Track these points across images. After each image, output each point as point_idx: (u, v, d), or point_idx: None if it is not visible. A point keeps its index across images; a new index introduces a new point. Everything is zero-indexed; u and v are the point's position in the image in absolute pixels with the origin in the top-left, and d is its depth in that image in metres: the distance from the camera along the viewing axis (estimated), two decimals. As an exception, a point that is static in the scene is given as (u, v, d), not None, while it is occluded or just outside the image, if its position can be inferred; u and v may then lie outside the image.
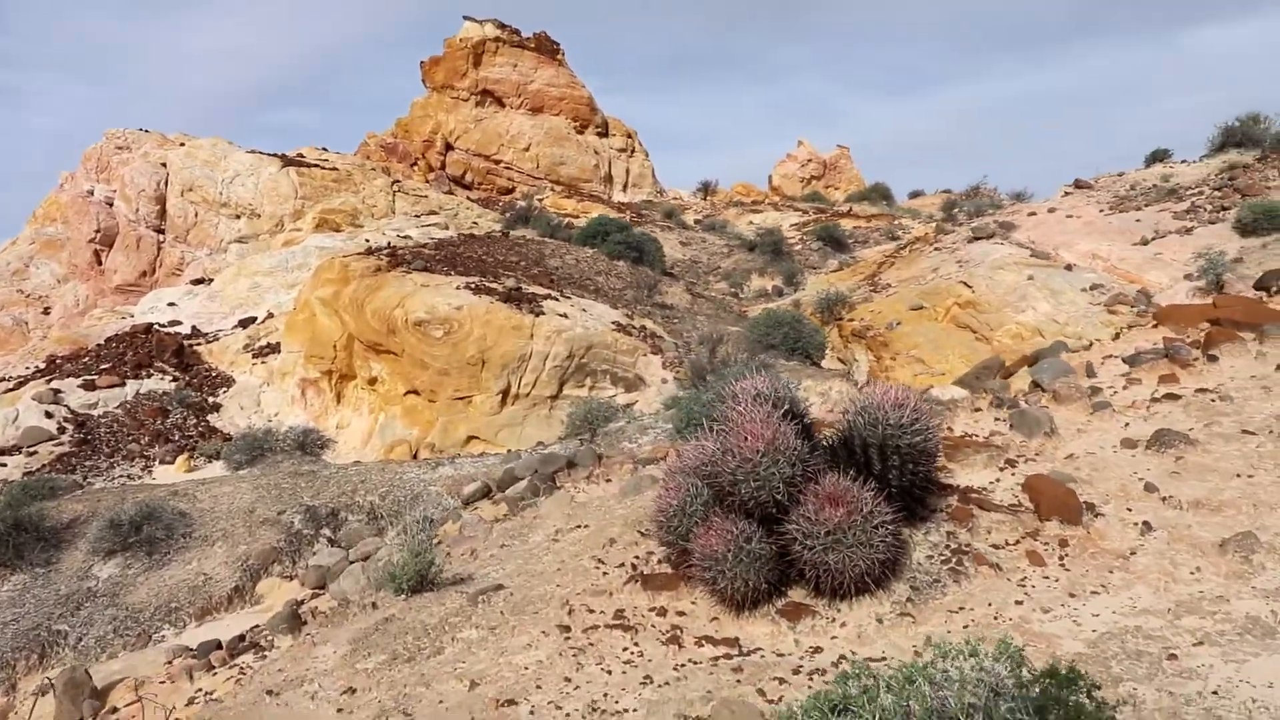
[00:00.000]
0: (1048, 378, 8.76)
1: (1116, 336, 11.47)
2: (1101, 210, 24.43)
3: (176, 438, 17.45)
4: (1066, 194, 27.95)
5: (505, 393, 16.39)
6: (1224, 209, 21.57)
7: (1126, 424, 7.34)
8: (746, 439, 5.25)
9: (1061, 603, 4.83)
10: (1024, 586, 5.10)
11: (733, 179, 56.35)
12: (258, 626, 8.28)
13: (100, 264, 32.01)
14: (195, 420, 18.31)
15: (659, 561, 6.11)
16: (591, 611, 5.60)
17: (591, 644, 5.19)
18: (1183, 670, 4.02)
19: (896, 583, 5.16)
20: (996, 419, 7.81)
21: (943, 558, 5.48)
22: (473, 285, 17.68)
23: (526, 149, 44.74)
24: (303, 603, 8.93)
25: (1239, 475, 6.20)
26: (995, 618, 4.78)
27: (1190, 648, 4.20)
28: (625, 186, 47.92)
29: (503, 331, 16.44)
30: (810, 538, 4.98)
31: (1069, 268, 19.17)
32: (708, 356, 13.64)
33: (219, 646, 7.76)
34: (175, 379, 19.66)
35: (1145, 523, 5.71)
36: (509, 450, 15.16)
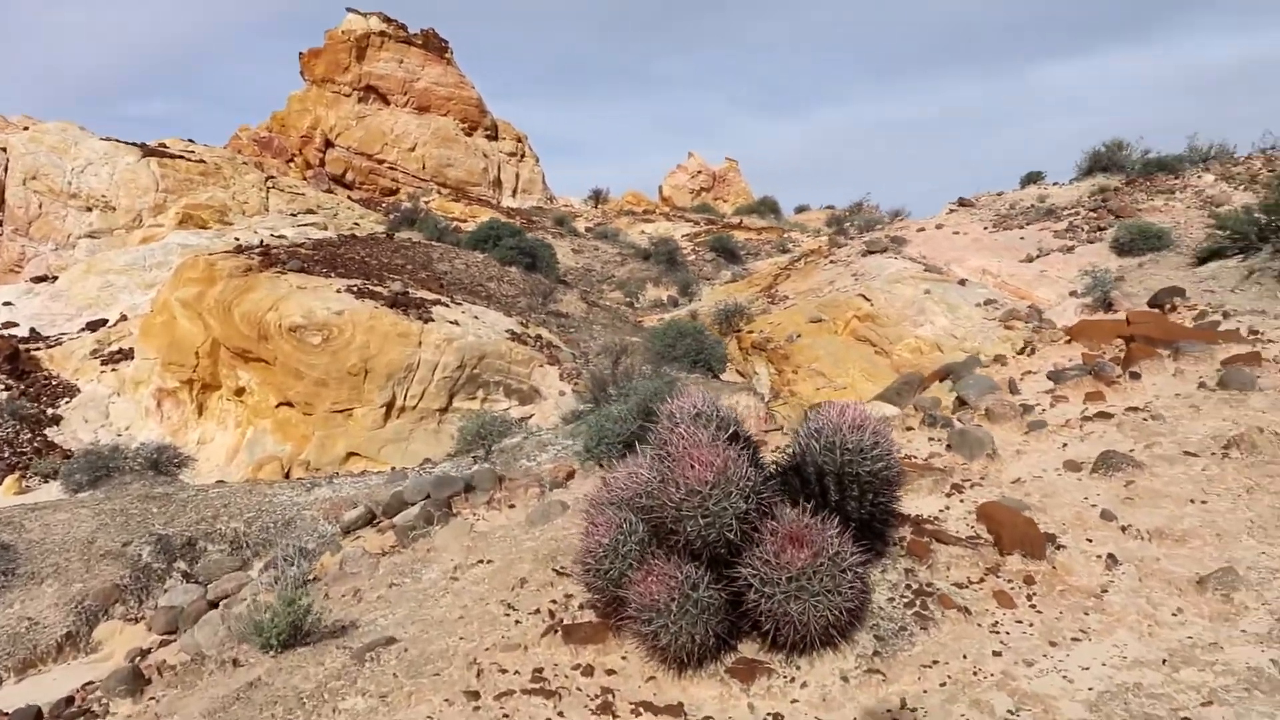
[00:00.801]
0: (974, 394, 8.43)
1: (1023, 351, 11.36)
2: (986, 228, 25.12)
3: (6, 455, 15.42)
4: (951, 211, 28.72)
5: (390, 405, 15.20)
6: (1100, 229, 22.46)
7: (1064, 444, 7.02)
8: (693, 467, 4.53)
9: (1043, 653, 4.30)
10: (998, 633, 4.55)
11: (622, 189, 56.09)
12: (91, 684, 7.00)
13: (-76, 258, 28.56)
14: (30, 435, 16.27)
15: (580, 607, 5.32)
16: (504, 672, 4.75)
17: (506, 715, 4.36)
18: (1203, 739, 3.51)
19: (860, 632, 4.53)
20: (931, 439, 7.38)
21: (905, 600, 4.90)
22: (355, 289, 16.39)
23: (412, 149, 43.03)
24: (148, 652, 7.69)
25: (1193, 501, 5.87)
26: (975, 673, 4.20)
27: (1199, 709, 3.71)
28: (515, 191, 46.79)
29: (388, 339, 15.25)
30: (770, 584, 4.29)
31: (962, 282, 19.43)
32: (610, 368, 12.93)
33: (38, 716, 6.46)
34: (6, 388, 17.47)
35: (1110, 555, 5.27)
36: (394, 468, 14.01)
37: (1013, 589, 4.92)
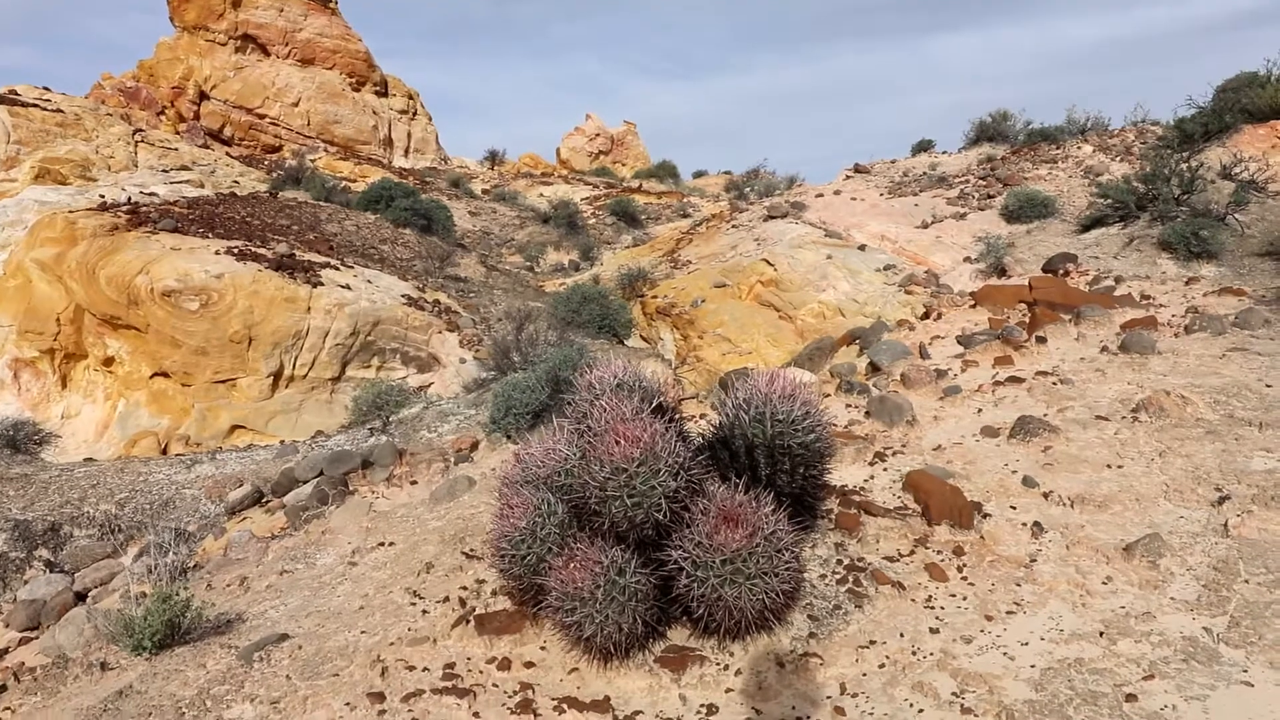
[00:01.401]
0: (886, 359, 8.39)
1: (926, 316, 11.45)
2: (882, 194, 25.51)
3: None
4: (848, 177, 29.08)
5: (278, 375, 14.29)
6: (990, 197, 23.08)
7: (979, 409, 7.02)
8: (619, 443, 4.19)
9: (980, 628, 4.18)
10: (933, 609, 4.42)
11: (519, 151, 54.73)
12: (-63, 692, 6.23)
13: None
14: None
15: (494, 593, 4.95)
16: (412, 669, 4.36)
17: (415, 718, 3.98)
18: (1149, 715, 3.43)
19: (794, 613, 4.32)
20: (849, 405, 7.27)
21: (837, 576, 4.72)
22: (236, 250, 15.28)
23: (296, 104, 40.75)
24: (6, 652, 6.91)
25: (1109, 466, 5.90)
26: (913, 652, 4.04)
27: (1142, 683, 3.64)
28: (407, 151, 45.01)
29: (274, 304, 14.29)
30: (703, 568, 4.02)
31: (862, 248, 19.62)
32: (513, 334, 12.45)
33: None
34: None
35: (1036, 524, 5.23)
36: (283, 442, 13.21)
37: (944, 561, 4.81)
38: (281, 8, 41.30)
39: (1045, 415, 6.58)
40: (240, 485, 9.01)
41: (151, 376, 14.31)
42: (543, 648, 4.41)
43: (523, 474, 4.89)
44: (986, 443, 6.33)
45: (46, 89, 34.94)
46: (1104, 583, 4.43)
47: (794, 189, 30.94)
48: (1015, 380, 7.55)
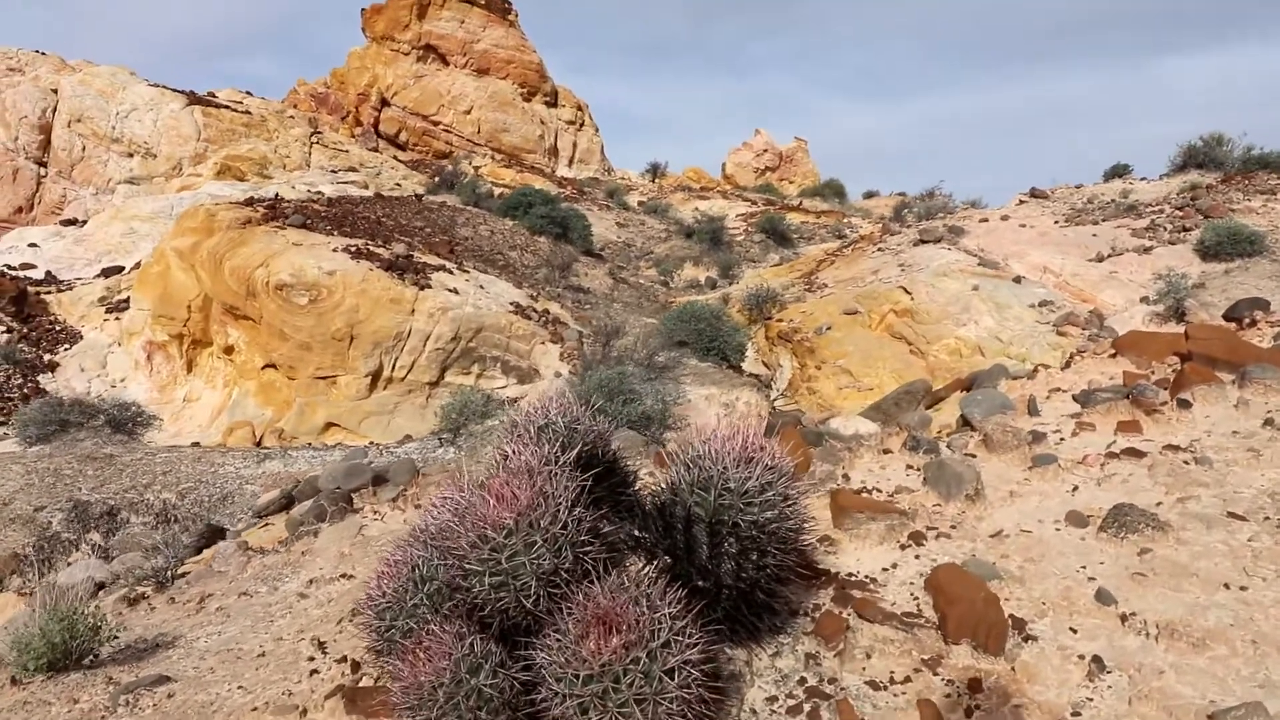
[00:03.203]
0: (980, 413, 6.94)
1: (1067, 364, 9.73)
2: (1056, 222, 23.09)
3: (-8, 399, 15.00)
4: (1021, 202, 26.61)
5: (376, 375, 14.25)
6: (1185, 229, 20.29)
7: (1075, 488, 5.53)
8: (491, 504, 3.27)
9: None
10: (903, 784, 3.17)
11: (690, 164, 54.39)
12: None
13: (-32, 196, 28.87)
14: (22, 381, 15.83)
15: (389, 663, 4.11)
16: (247, 752, 3.59)
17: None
18: None
19: (700, 760, 3.19)
20: (909, 468, 5.96)
21: (790, 703, 3.54)
22: (354, 249, 15.46)
23: (468, 112, 42.17)
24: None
25: (1228, 586, 4.32)
26: None
27: None
28: (571, 161, 45.64)
29: (378, 304, 14.28)
30: (564, 682, 3.01)
31: (1018, 280, 17.61)
32: (601, 350, 11.71)
33: None
34: (9, 330, 17.10)
35: (1096, 659, 3.80)
36: (371, 443, 13.07)
37: (949, 700, 3.55)
38: (463, 19, 42.94)
39: (1159, 505, 5.05)
40: (276, 489, 8.74)
41: (263, 368, 14.64)
42: (394, 751, 3.52)
43: (423, 526, 4.06)
44: (1067, 534, 4.89)
45: (248, 93, 37.83)
46: (1168, 781, 3.07)
47: (958, 213, 28.70)
48: (1134, 454, 5.95)
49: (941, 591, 4.11)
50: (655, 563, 3.75)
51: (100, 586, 7.81)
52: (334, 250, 15.35)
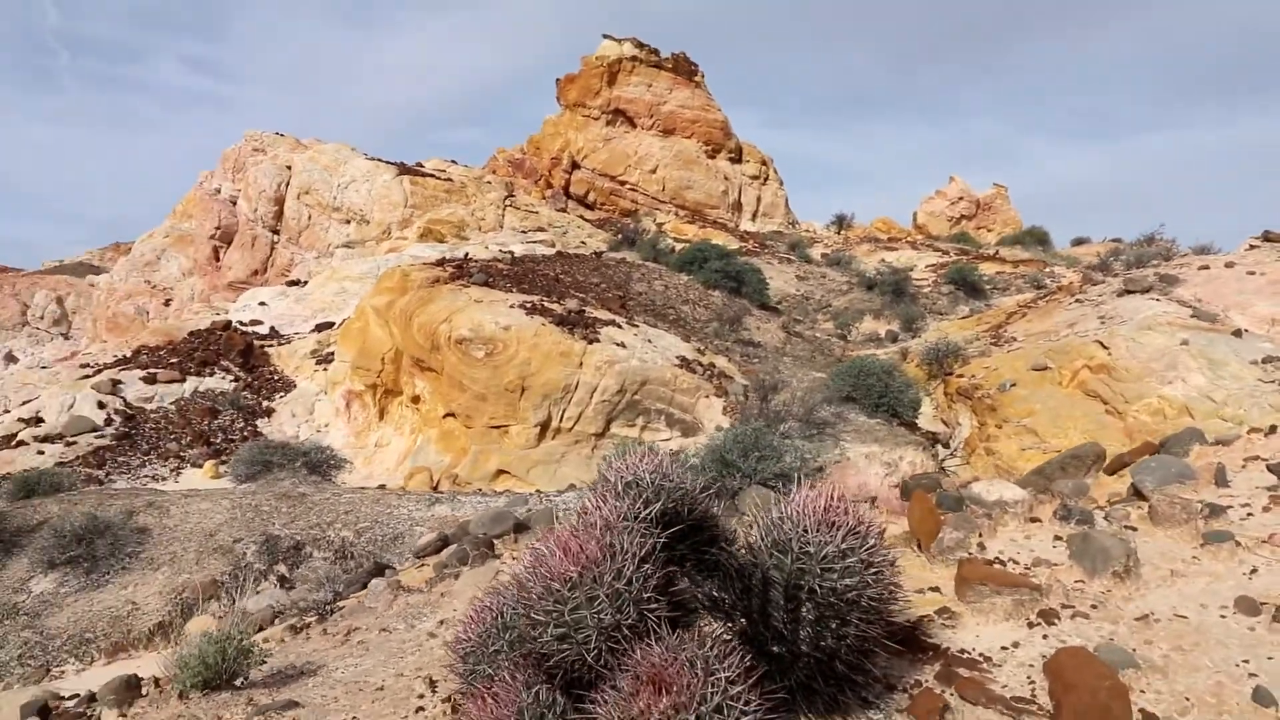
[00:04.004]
0: (1152, 482, 6.22)
1: (1273, 429, 8.63)
2: (1292, 268, 20.61)
3: (218, 440, 16.84)
4: (1252, 247, 23.96)
5: (544, 425, 14.77)
6: None
7: (1254, 570, 4.82)
8: (559, 558, 3.30)
9: None
10: None
11: (888, 215, 53.07)
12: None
13: (218, 260, 32.94)
14: (243, 424, 17.69)
15: (478, 710, 4.19)
16: (335, 786, 3.76)
17: None
18: None
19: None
20: (1056, 539, 5.41)
21: (861, 798, 3.30)
22: (529, 305, 16.22)
23: (653, 171, 43.49)
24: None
25: None
26: None
27: None
28: (755, 215, 45.85)
29: (549, 357, 14.85)
30: (615, 739, 2.97)
31: (1238, 333, 15.80)
32: (758, 405, 11.55)
33: (43, 710, 6.38)
34: (236, 379, 19.20)
35: None
36: (536, 490, 13.50)
37: (1048, 816, 3.18)
38: (650, 83, 44.59)
39: (1358, 600, 4.33)
40: (433, 533, 9.19)
41: (444, 416, 15.55)
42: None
43: (521, 573, 4.14)
44: (1233, 623, 4.28)
45: (453, 161, 40.94)
46: None
47: (1175, 260, 26.19)
48: (1339, 537, 5.16)
49: (1060, 677, 3.70)
50: (730, 624, 3.63)
51: (277, 615, 8.50)
52: (510, 306, 16.18)
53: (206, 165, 36.92)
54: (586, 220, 36.28)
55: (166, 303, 31.96)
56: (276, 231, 32.43)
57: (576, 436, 14.79)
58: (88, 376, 19.36)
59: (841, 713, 3.49)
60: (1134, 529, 5.40)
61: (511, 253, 27.46)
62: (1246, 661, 3.89)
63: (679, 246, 31.03)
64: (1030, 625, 4.38)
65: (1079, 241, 51.72)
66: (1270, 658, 3.90)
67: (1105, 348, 15.86)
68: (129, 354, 21.73)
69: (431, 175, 32.93)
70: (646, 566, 3.34)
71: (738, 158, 46.61)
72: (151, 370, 18.69)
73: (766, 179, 47.08)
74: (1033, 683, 3.83)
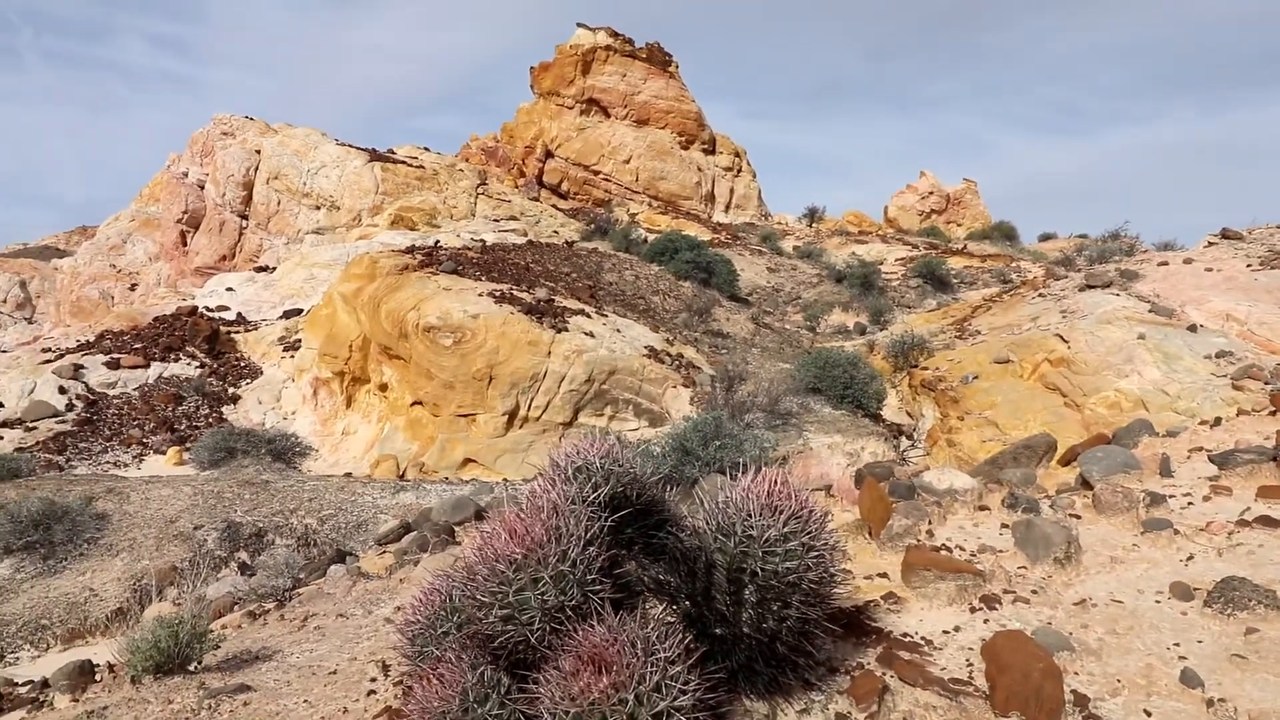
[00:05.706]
0: (1099, 472, 6.41)
1: (1217, 421, 8.87)
2: (1249, 265, 21.07)
3: (183, 427, 16.69)
4: (1210, 244, 24.46)
5: (512, 414, 14.79)
6: (1404, 274, 18.10)
7: (1190, 557, 5.00)
8: (504, 539, 3.36)
9: None
10: None
11: (860, 208, 53.36)
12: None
13: (185, 245, 32.53)
14: (208, 411, 17.54)
15: (432, 690, 4.25)
16: (286, 766, 3.81)
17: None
18: None
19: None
20: (1003, 527, 5.56)
21: (802, 771, 3.42)
22: (498, 293, 16.21)
23: (627, 161, 43.47)
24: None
25: None
26: None
27: None
28: (728, 207, 45.99)
29: (517, 346, 14.87)
30: (556, 717, 3.04)
31: (1193, 328, 16.16)
32: (723, 394, 11.66)
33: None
34: (202, 365, 19.01)
35: None
36: (503, 480, 13.55)
37: (979, 784, 3.31)
38: (624, 72, 44.50)
39: (1283, 585, 4.51)
40: (394, 520, 9.21)
41: (411, 405, 15.52)
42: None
43: (469, 558, 4.20)
44: (1167, 607, 4.44)
45: (425, 148, 40.63)
46: None
47: (1136, 256, 26.70)
48: (1270, 523, 5.35)
49: (996, 659, 3.83)
50: (675, 607, 3.72)
51: (236, 601, 8.49)
52: (479, 295, 16.15)
53: (176, 147, 36.48)
54: (560, 210, 36.22)
55: (132, 287, 31.53)
56: (245, 216, 32.08)
57: (544, 425, 14.83)
58: (49, 361, 19.07)
59: (783, 693, 3.59)
60: (1078, 517, 5.58)
61: (483, 241, 27.36)
62: (1178, 645, 4.05)
63: (651, 237, 31.09)
64: (972, 610, 4.52)
65: (1045, 237, 52.46)
66: (1200, 641, 4.06)
67: (1065, 341, 16.16)
68: (92, 339, 21.43)
69: (403, 162, 32.71)
70: (591, 549, 3.41)
71: (711, 149, 46.70)
72: (115, 355, 18.46)
73: (740, 171, 47.23)
74: (971, 665, 3.96)
